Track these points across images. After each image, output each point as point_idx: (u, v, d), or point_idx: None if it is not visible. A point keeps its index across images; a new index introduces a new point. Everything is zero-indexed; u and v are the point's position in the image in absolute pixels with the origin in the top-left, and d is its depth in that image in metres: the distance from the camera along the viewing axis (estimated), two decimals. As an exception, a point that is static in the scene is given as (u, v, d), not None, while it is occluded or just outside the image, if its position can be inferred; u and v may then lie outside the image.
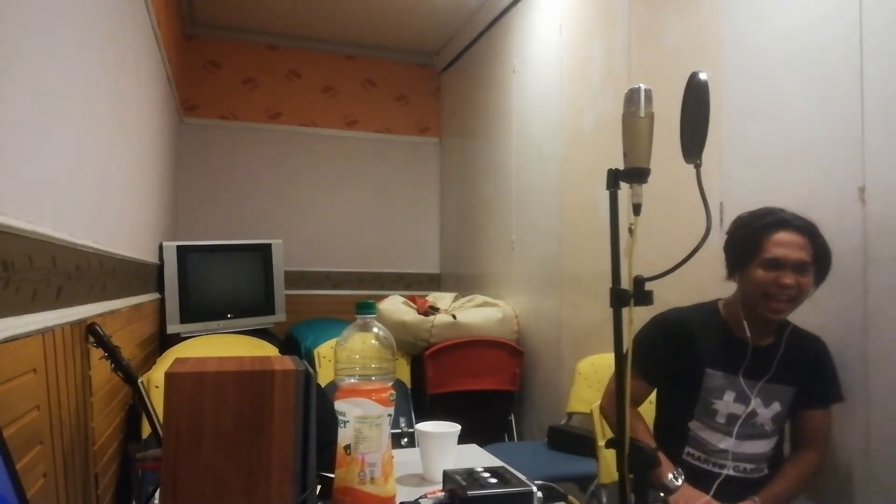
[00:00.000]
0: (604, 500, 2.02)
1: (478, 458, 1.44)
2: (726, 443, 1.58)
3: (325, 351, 2.80)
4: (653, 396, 1.76)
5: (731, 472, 1.58)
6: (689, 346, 1.62)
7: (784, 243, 1.51)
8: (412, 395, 3.30)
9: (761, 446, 1.59)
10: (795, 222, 1.54)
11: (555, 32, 3.25)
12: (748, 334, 1.57)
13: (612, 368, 1.74)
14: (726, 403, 1.58)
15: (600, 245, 2.71)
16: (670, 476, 1.54)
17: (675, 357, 1.63)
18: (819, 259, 1.55)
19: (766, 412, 1.58)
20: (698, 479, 1.57)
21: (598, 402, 1.80)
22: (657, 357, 1.62)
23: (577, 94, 3.02)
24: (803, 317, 1.78)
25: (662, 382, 1.69)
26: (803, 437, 1.62)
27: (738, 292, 1.63)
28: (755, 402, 1.57)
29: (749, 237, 1.56)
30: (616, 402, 1.06)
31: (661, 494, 1.54)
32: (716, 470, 1.59)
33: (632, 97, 1.04)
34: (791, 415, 1.62)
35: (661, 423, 1.73)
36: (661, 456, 1.51)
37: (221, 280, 3.78)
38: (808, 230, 1.54)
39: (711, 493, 1.54)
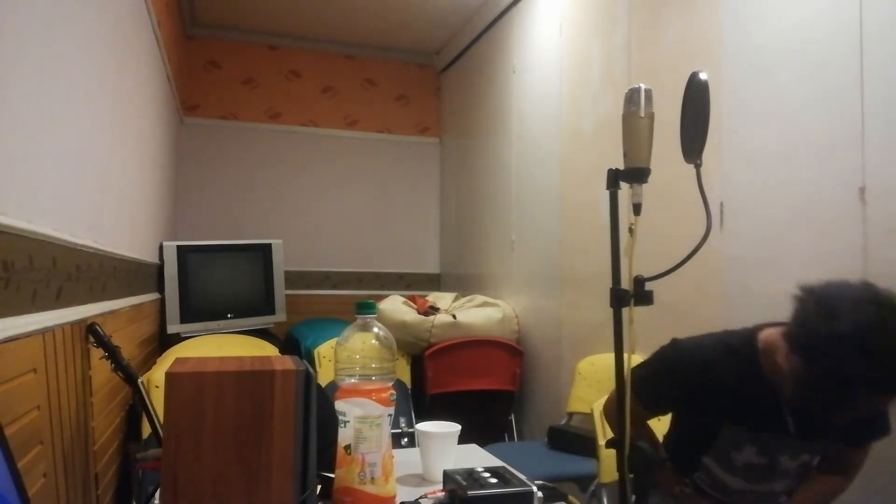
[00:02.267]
0: (604, 500, 2.02)
1: (478, 458, 1.44)
2: (741, 484, 1.41)
3: (325, 351, 2.81)
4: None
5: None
6: (709, 395, 1.36)
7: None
8: (412, 395, 3.29)
9: (781, 486, 1.41)
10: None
11: (555, 32, 3.25)
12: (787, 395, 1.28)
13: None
14: (746, 456, 1.37)
15: (600, 245, 2.71)
16: (679, 487, 1.47)
17: (687, 401, 1.41)
18: None
19: (792, 463, 1.37)
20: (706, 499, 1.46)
21: (601, 399, 1.70)
22: (661, 392, 1.42)
23: (577, 94, 3.02)
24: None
25: (671, 414, 1.54)
26: (832, 465, 1.41)
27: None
28: (782, 458, 1.37)
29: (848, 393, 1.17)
30: (616, 403, 1.06)
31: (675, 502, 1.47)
32: (726, 499, 1.44)
33: (632, 97, 1.04)
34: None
35: (671, 443, 1.55)
36: (670, 468, 1.47)
37: (221, 280, 3.78)
38: None
39: None
